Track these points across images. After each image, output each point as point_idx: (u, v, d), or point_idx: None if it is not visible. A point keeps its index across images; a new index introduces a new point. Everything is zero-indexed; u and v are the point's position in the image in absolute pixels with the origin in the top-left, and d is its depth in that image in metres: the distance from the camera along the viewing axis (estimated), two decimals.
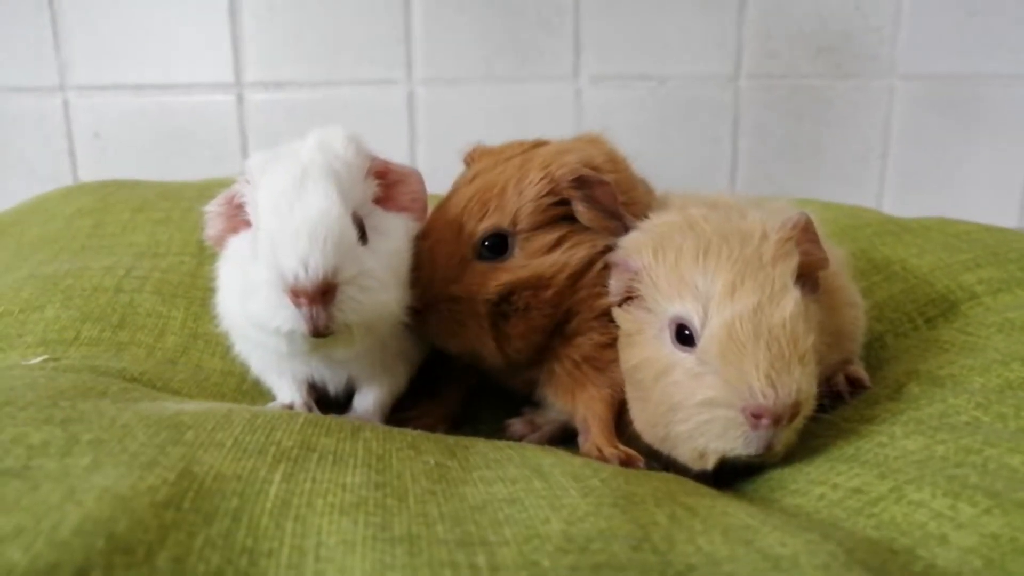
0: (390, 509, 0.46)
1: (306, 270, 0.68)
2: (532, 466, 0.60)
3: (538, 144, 0.90)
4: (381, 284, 0.74)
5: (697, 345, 0.71)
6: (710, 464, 0.71)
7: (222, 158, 2.01)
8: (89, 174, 1.95)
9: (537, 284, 0.80)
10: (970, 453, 0.62)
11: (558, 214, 0.82)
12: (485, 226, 0.81)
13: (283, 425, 0.59)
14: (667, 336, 0.74)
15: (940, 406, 0.73)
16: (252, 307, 0.72)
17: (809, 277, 0.79)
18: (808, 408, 0.69)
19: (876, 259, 1.10)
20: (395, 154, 2.17)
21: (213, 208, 0.82)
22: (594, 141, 0.97)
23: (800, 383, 0.67)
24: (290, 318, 0.69)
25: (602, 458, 0.75)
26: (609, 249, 0.82)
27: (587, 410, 0.82)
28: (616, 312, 0.82)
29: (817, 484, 0.66)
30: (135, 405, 0.60)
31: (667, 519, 0.50)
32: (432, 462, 0.57)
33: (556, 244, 0.82)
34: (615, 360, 0.82)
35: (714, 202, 0.84)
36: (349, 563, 0.40)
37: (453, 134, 2.03)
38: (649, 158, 2.18)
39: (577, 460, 0.63)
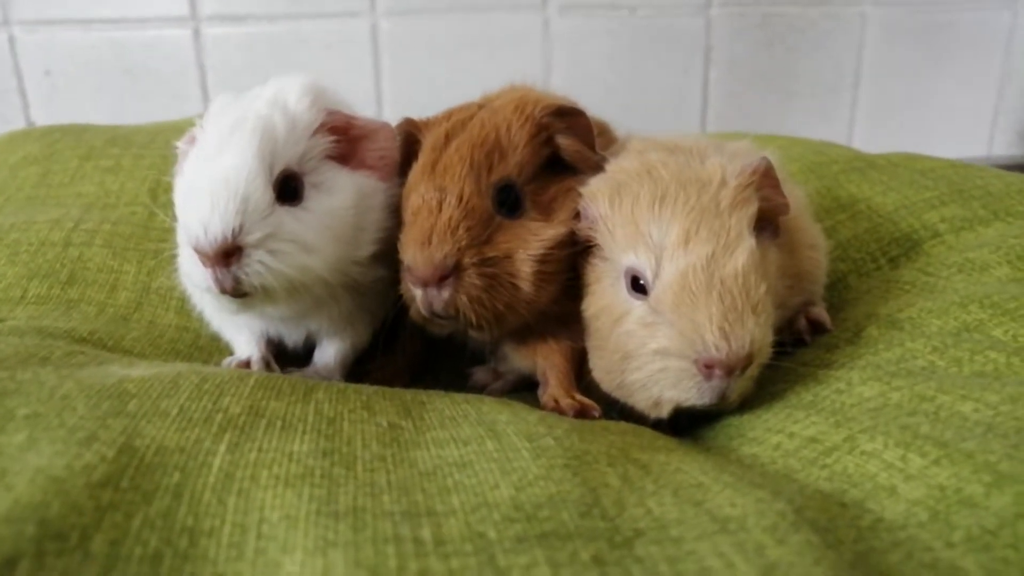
0: (336, 479, 0.45)
1: (205, 232, 0.67)
2: (487, 424, 0.59)
3: (483, 103, 0.86)
4: (300, 246, 0.71)
5: (650, 295, 0.71)
6: (664, 412, 0.72)
7: (180, 96, 1.95)
8: (42, 113, 1.89)
9: (565, 242, 0.78)
10: (924, 400, 0.62)
11: (547, 155, 0.81)
12: (495, 178, 0.77)
13: (232, 389, 0.57)
14: (622, 285, 0.74)
15: (898, 350, 0.73)
16: (180, 262, 0.72)
17: (769, 222, 0.78)
18: (763, 357, 0.69)
19: (842, 197, 1.09)
20: (360, 89, 2.13)
21: (181, 144, 0.80)
22: (523, 88, 0.94)
23: (753, 334, 0.67)
24: (202, 278, 0.69)
25: (559, 409, 0.75)
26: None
27: (546, 362, 0.81)
28: (579, 261, 0.81)
29: (774, 432, 0.67)
30: (79, 372, 0.58)
31: (619, 480, 0.50)
32: (385, 424, 0.57)
33: (557, 195, 0.80)
34: (575, 312, 0.81)
35: (674, 146, 0.82)
36: (291, 540, 0.40)
37: (419, 67, 1.98)
38: (619, 90, 2.16)
39: (534, 416, 0.63)
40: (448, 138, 0.80)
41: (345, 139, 0.79)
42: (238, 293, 0.69)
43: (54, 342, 0.68)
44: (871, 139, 2.20)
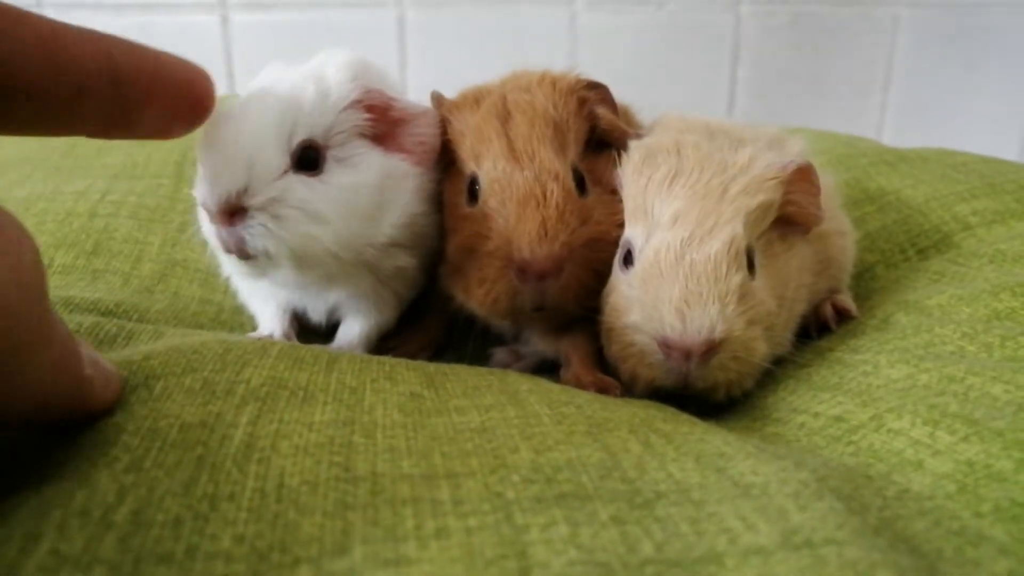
0: (356, 447, 0.45)
1: (211, 189, 0.68)
2: (509, 392, 0.59)
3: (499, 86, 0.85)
4: (308, 215, 0.71)
5: (630, 268, 0.71)
6: (639, 389, 0.72)
7: None
8: None
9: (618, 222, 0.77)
10: (952, 381, 0.61)
11: (590, 128, 0.80)
12: (569, 159, 0.77)
13: (255, 359, 0.57)
14: (620, 256, 0.75)
15: (926, 336, 0.72)
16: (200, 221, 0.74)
17: (800, 225, 0.77)
18: (741, 349, 0.67)
19: (870, 189, 1.07)
20: None
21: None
22: (530, 71, 0.94)
23: (715, 321, 0.65)
24: (210, 234, 0.71)
25: (580, 386, 0.74)
26: None
27: (569, 344, 0.81)
28: None
29: (799, 412, 0.66)
30: (105, 352, 0.58)
31: (640, 446, 0.49)
32: (408, 393, 0.56)
33: (603, 169, 0.79)
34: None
35: (718, 130, 0.81)
36: (311, 503, 0.39)
37: (444, 59, 1.98)
38: (646, 86, 2.15)
39: (556, 387, 0.63)
40: (507, 118, 0.77)
41: (383, 120, 0.78)
42: (243, 255, 0.70)
43: (80, 316, 0.68)
44: (900, 141, 2.17)
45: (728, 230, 0.69)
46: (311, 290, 0.80)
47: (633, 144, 0.79)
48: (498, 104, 0.79)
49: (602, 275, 0.75)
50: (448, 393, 0.59)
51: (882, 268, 0.96)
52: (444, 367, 0.69)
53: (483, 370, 0.69)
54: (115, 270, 0.86)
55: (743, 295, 0.68)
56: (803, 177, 0.75)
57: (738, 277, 0.67)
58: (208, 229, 0.71)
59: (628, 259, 0.73)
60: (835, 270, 0.86)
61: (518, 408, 0.54)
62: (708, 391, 0.70)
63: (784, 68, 2.12)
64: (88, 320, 0.68)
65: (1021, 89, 2.18)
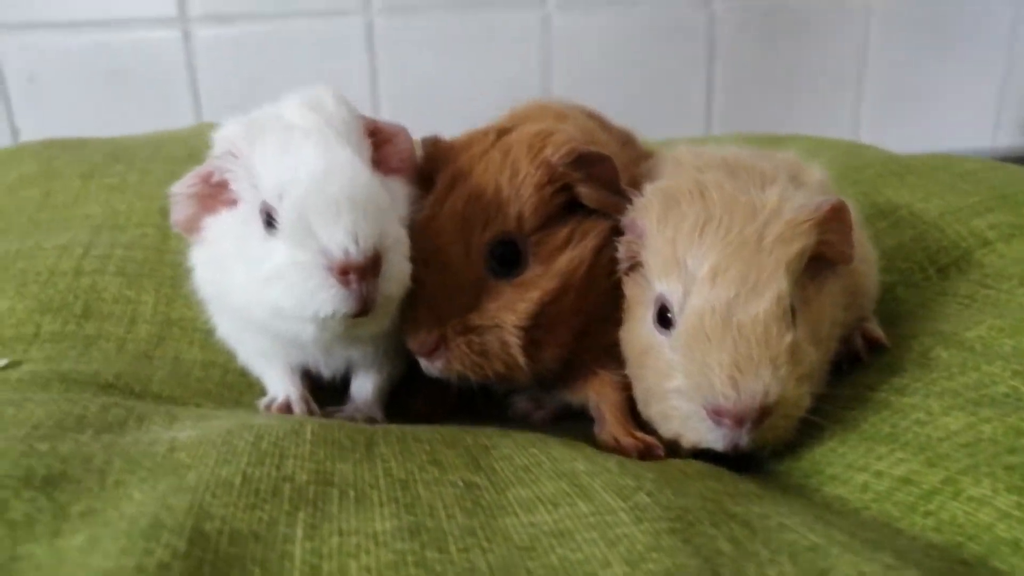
0: (432, 567, 0.41)
1: (356, 243, 0.62)
2: (568, 476, 0.55)
3: (502, 132, 0.80)
4: (407, 255, 0.68)
5: (672, 330, 0.68)
6: (684, 450, 0.69)
7: (170, 100, 1.88)
8: (26, 120, 1.82)
9: (564, 292, 0.73)
10: (1020, 435, 0.58)
11: (560, 203, 0.75)
12: (490, 235, 0.72)
13: (292, 448, 0.53)
14: (651, 314, 0.71)
15: (974, 375, 0.69)
16: (276, 294, 0.65)
17: (829, 263, 0.74)
18: (790, 408, 0.65)
19: (880, 204, 1.05)
20: (355, 90, 2.07)
21: (182, 190, 0.72)
22: (549, 109, 0.89)
23: (769, 386, 0.63)
24: (333, 300, 0.63)
25: (620, 449, 0.71)
26: (615, 230, 0.76)
27: (599, 396, 0.77)
28: (623, 279, 0.77)
29: (857, 470, 0.63)
30: (121, 440, 0.53)
31: (730, 544, 0.46)
32: (461, 483, 0.52)
33: (568, 239, 0.74)
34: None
35: (737, 166, 0.77)
36: None
37: (416, 67, 1.93)
38: (621, 86, 2.11)
39: (612, 462, 0.59)
40: (453, 184, 0.75)
41: (374, 143, 0.74)
42: (371, 309, 0.64)
43: (85, 396, 0.63)
44: (877, 132, 2.17)
45: (774, 287, 0.65)
46: (337, 349, 0.75)
47: (650, 189, 0.75)
48: (466, 162, 0.77)
49: (501, 363, 0.72)
50: (502, 479, 0.55)
51: (903, 289, 0.94)
52: (480, 436, 0.65)
53: (522, 439, 0.66)
54: (108, 335, 0.80)
55: (792, 353, 0.65)
56: (836, 216, 0.72)
57: (788, 337, 0.65)
58: (327, 294, 0.63)
59: (664, 319, 0.70)
60: (862, 299, 0.83)
61: (588, 502, 0.50)
62: (755, 450, 0.67)
63: (760, 63, 2.10)
64: (93, 403, 0.62)
65: (992, 75, 2.19)
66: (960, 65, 2.16)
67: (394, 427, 0.66)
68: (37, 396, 0.60)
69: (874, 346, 0.82)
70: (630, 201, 0.75)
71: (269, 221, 0.66)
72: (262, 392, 0.78)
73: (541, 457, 0.60)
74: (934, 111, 2.20)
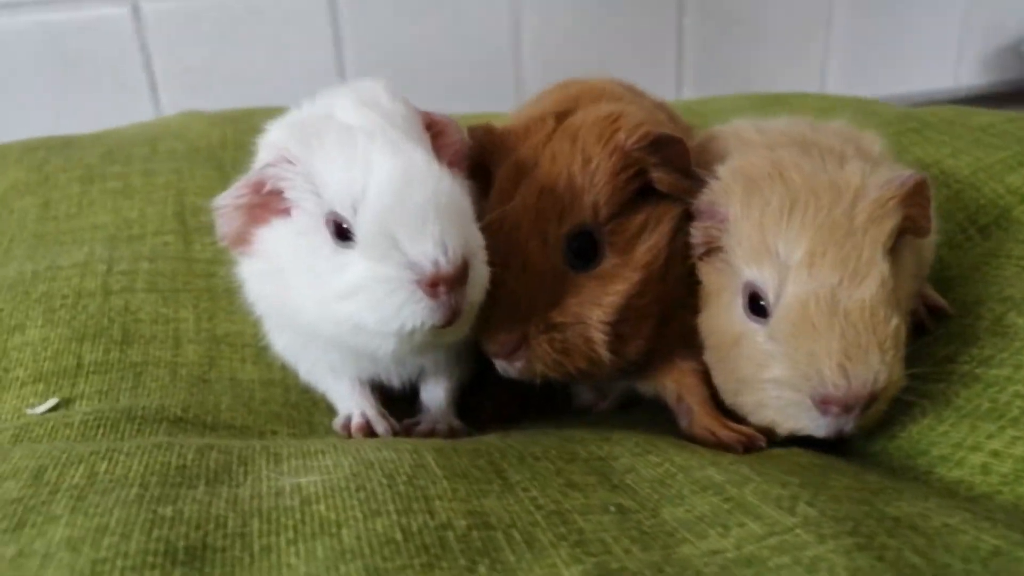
0: None
1: (446, 254, 0.58)
2: (713, 489, 0.53)
3: (560, 116, 0.76)
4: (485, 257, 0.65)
5: (770, 318, 0.66)
6: (778, 437, 0.69)
7: (124, 83, 1.78)
8: None
9: (647, 283, 0.70)
10: None
11: (634, 189, 0.72)
12: (567, 227, 0.69)
13: (430, 487, 0.50)
14: (739, 302, 0.69)
15: None
16: (355, 309, 0.61)
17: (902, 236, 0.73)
18: (893, 391, 0.65)
19: (909, 162, 1.05)
20: (320, 66, 1.99)
21: (230, 201, 0.67)
22: (613, 88, 0.85)
23: (878, 372, 0.62)
24: (420, 312, 0.60)
25: (720, 443, 0.69)
26: (686, 214, 0.74)
27: (680, 386, 0.75)
28: (699, 265, 0.75)
29: (968, 450, 0.63)
30: (240, 492, 0.49)
31: (919, 558, 0.45)
32: (612, 509, 0.50)
33: (643, 226, 0.72)
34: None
35: (805, 141, 0.75)
36: None
37: (383, 35, 1.85)
38: (591, 42, 2.07)
39: (745, 468, 0.57)
40: (519, 176, 0.72)
41: (430, 136, 0.70)
42: (453, 319, 0.61)
43: (164, 437, 0.58)
44: (844, 77, 2.19)
45: (876, 271, 0.64)
46: (410, 357, 0.72)
47: (727, 172, 0.73)
48: (529, 151, 0.74)
49: (584, 360, 0.70)
50: (645, 498, 0.53)
51: (946, 251, 0.94)
52: (590, 447, 0.63)
53: (629, 444, 0.64)
54: (157, 360, 0.74)
55: (896, 336, 0.64)
56: (919, 191, 0.71)
57: (895, 320, 0.64)
58: (414, 307, 0.59)
59: (756, 307, 0.68)
60: (925, 267, 0.83)
61: (755, 519, 0.49)
62: (855, 433, 0.67)
63: (729, 12, 2.08)
64: (184, 446, 0.56)
65: (954, 15, 2.21)
66: (922, 7, 2.18)
67: (493, 440, 0.64)
68: (120, 445, 0.55)
69: (937, 314, 0.82)
70: (703, 184, 0.73)
71: (340, 233, 0.62)
72: (329, 409, 0.75)
73: (665, 466, 0.58)
74: (898, 54, 2.22)
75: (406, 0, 1.87)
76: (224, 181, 0.96)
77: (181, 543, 0.44)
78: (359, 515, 0.46)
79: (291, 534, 0.45)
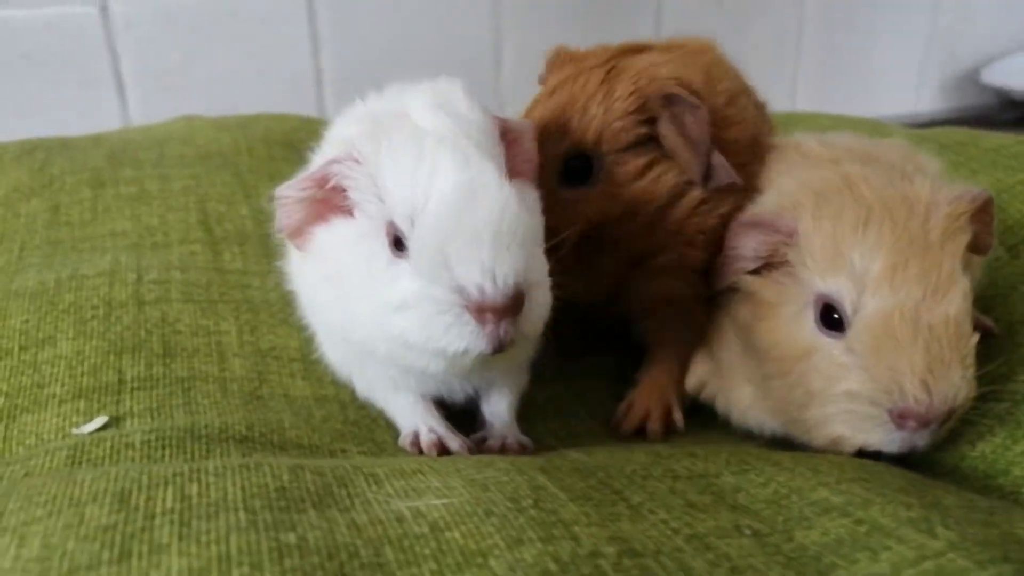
0: None
1: (495, 282, 0.55)
2: (839, 510, 0.52)
3: (628, 50, 0.81)
4: (547, 283, 0.62)
5: (847, 332, 0.66)
6: (844, 451, 0.68)
7: (91, 84, 1.69)
8: None
9: (626, 215, 0.75)
10: None
11: (646, 135, 0.76)
12: (566, 146, 0.74)
13: (561, 511, 0.47)
14: (810, 315, 0.69)
15: None
16: (405, 324, 0.58)
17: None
18: (965, 408, 0.65)
19: None
20: (297, 65, 1.94)
21: (292, 193, 0.64)
22: (700, 52, 0.87)
23: (959, 388, 0.63)
24: (466, 337, 0.57)
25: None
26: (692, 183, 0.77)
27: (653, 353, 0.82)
28: (748, 279, 0.74)
29: None
30: (357, 517, 0.46)
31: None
32: (748, 531, 0.48)
33: (645, 169, 0.76)
34: (694, 317, 0.81)
35: (867, 155, 0.75)
36: None
37: (362, 35, 1.82)
38: (575, 26, 2.06)
39: (857, 488, 0.56)
40: (553, 91, 0.78)
41: (504, 144, 0.68)
42: (508, 347, 0.58)
43: (256, 459, 0.54)
44: (813, 97, 2.24)
45: (958, 286, 0.65)
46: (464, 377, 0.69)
47: (791, 184, 0.73)
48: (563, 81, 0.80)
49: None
50: (770, 520, 0.51)
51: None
52: (685, 463, 0.61)
53: (710, 453, 0.62)
54: (204, 375, 0.70)
55: (975, 352, 0.64)
56: (986, 208, 0.72)
57: (976, 337, 0.64)
58: (460, 331, 0.57)
59: (830, 320, 0.67)
60: (975, 286, 0.84)
61: (898, 542, 0.47)
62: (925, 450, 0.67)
63: (705, 29, 2.10)
64: (274, 467, 0.52)
65: (917, 40, 2.28)
66: (886, 33, 2.24)
67: (579, 456, 0.61)
68: (203, 465, 0.51)
69: (984, 334, 0.83)
70: (710, 165, 0.75)
71: (397, 243, 0.60)
72: (388, 425, 0.71)
73: (772, 485, 0.56)
74: (860, 80, 2.28)
75: (385, 2, 1.84)
76: (244, 188, 0.92)
77: (319, 574, 0.40)
78: (500, 543, 0.43)
79: (433, 564, 0.42)
